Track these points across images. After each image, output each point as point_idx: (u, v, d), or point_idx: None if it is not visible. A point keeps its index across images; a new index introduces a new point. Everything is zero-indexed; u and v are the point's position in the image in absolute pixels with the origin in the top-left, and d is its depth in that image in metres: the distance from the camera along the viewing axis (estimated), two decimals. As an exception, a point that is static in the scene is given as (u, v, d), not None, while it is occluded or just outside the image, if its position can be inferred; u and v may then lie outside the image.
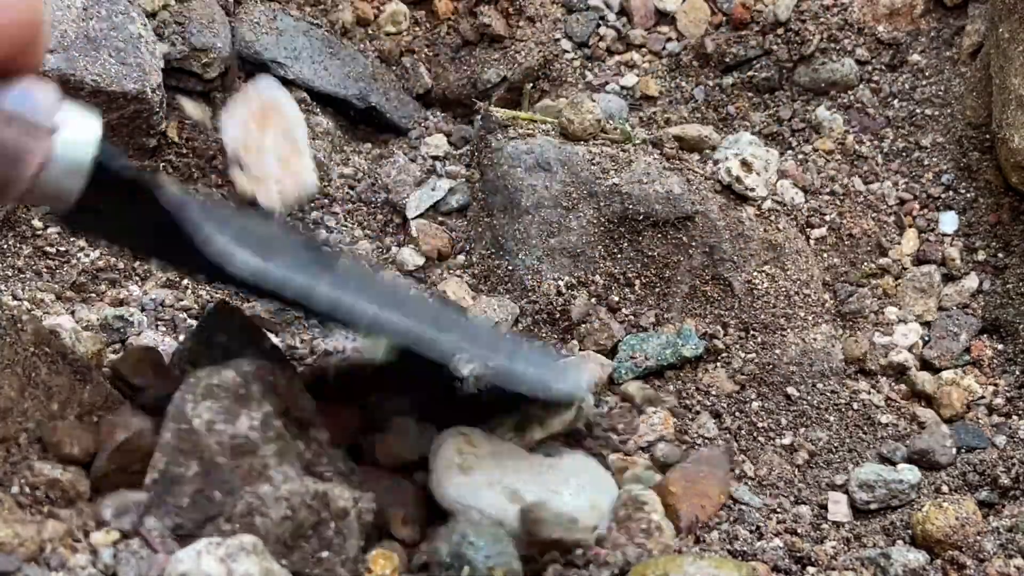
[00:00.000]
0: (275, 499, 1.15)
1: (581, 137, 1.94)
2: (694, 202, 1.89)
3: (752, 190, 1.95)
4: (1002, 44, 1.93)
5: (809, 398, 1.86)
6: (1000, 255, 1.96)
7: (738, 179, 1.94)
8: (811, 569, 1.55)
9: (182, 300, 1.86)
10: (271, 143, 1.95)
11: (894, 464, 1.80)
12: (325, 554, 1.16)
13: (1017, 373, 1.88)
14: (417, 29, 2.25)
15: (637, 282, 1.88)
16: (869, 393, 1.88)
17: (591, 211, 1.89)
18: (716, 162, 1.98)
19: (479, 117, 2.00)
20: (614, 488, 1.51)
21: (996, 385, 1.87)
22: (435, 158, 2.09)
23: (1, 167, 1.10)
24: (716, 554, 1.50)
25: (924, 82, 2.09)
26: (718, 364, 1.83)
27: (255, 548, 1.10)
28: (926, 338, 1.93)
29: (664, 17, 2.21)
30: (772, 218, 1.96)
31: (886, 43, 2.11)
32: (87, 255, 1.87)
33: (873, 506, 1.72)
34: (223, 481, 1.19)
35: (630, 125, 2.03)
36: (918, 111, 2.08)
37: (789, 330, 1.89)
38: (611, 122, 1.99)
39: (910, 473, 1.76)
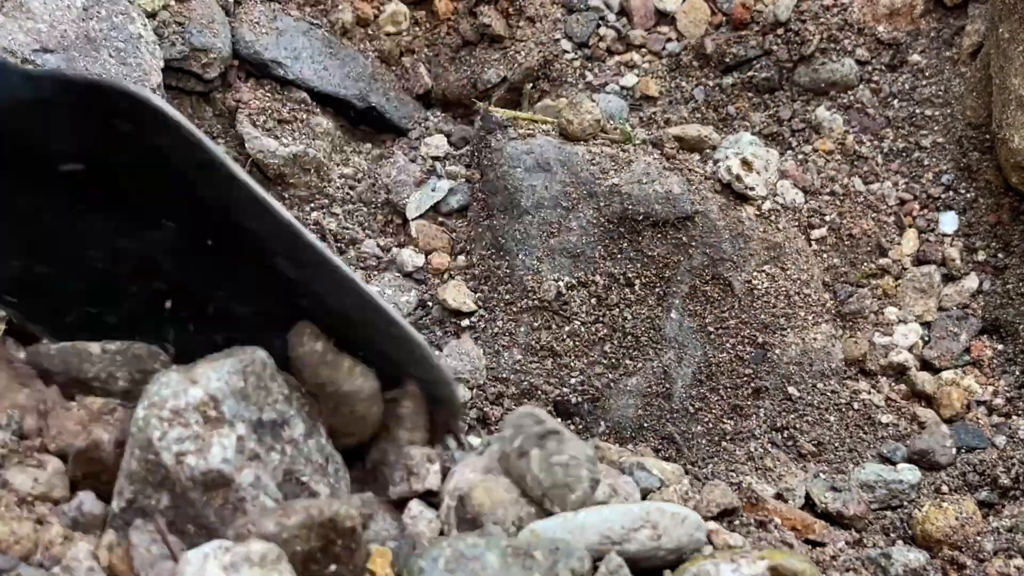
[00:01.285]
0: (284, 540, 1.11)
1: (581, 137, 1.94)
2: (694, 202, 1.90)
3: (752, 189, 1.95)
4: (1002, 44, 1.93)
5: (809, 398, 1.87)
6: (1000, 255, 1.96)
7: (738, 177, 1.94)
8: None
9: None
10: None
11: (894, 464, 1.80)
12: (333, 567, 1.13)
13: (1017, 373, 1.88)
14: (417, 29, 2.25)
15: (637, 282, 1.88)
16: (869, 393, 1.88)
17: (591, 211, 1.89)
18: (716, 162, 1.98)
19: (479, 117, 2.00)
20: None
21: (996, 385, 1.88)
22: (435, 158, 2.09)
23: None
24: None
25: (924, 82, 2.09)
26: None
27: (263, 559, 1.07)
28: (926, 338, 1.93)
29: (664, 17, 2.20)
30: (772, 218, 1.96)
31: (886, 43, 2.11)
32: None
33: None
34: (196, 515, 1.14)
35: (630, 125, 2.03)
36: (918, 111, 2.08)
37: (789, 330, 1.89)
38: (611, 122, 1.99)
39: (910, 473, 1.76)
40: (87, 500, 1.19)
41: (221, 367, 1.17)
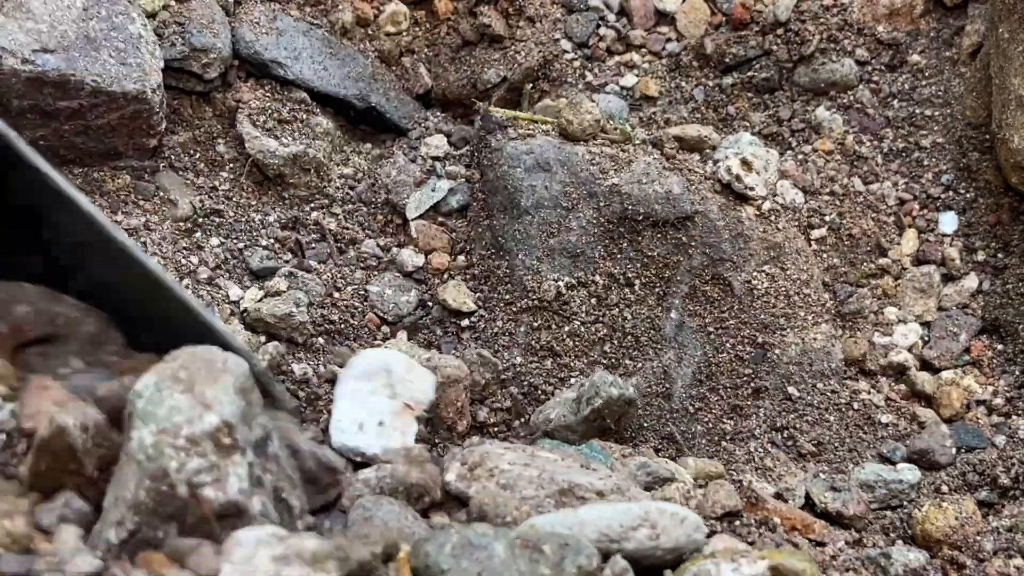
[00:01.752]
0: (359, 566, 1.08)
1: (581, 137, 1.94)
2: (694, 202, 1.90)
3: (752, 189, 1.95)
4: (1002, 44, 1.93)
5: (809, 398, 1.87)
6: (1000, 255, 1.96)
7: (738, 177, 1.95)
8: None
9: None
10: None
11: (894, 464, 1.80)
12: None
13: (1017, 373, 1.88)
14: (417, 29, 2.25)
15: (637, 282, 1.88)
16: (869, 393, 1.88)
17: (591, 211, 1.89)
18: (716, 162, 1.98)
19: (479, 117, 2.00)
20: None
21: (996, 385, 1.88)
22: (435, 158, 2.09)
23: None
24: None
25: (924, 82, 2.09)
26: None
27: (314, 558, 1.03)
28: (926, 338, 1.93)
29: (664, 17, 2.21)
30: (772, 218, 1.96)
31: (886, 43, 2.11)
32: (87, 255, 1.87)
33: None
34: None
35: (630, 125, 2.03)
36: (918, 111, 2.08)
37: (789, 330, 1.89)
38: (611, 122, 1.99)
39: (910, 473, 1.76)
40: (72, 501, 1.14)
41: (224, 386, 1.12)
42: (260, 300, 1.89)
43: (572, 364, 1.86)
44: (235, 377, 1.14)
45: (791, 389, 1.86)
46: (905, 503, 1.75)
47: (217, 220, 1.98)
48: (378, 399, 1.54)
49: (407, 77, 2.22)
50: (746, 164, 1.97)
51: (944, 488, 1.75)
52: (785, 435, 1.85)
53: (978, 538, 1.62)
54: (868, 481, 1.76)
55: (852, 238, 2.00)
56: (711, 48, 2.14)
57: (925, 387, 1.87)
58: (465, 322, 1.91)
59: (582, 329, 1.87)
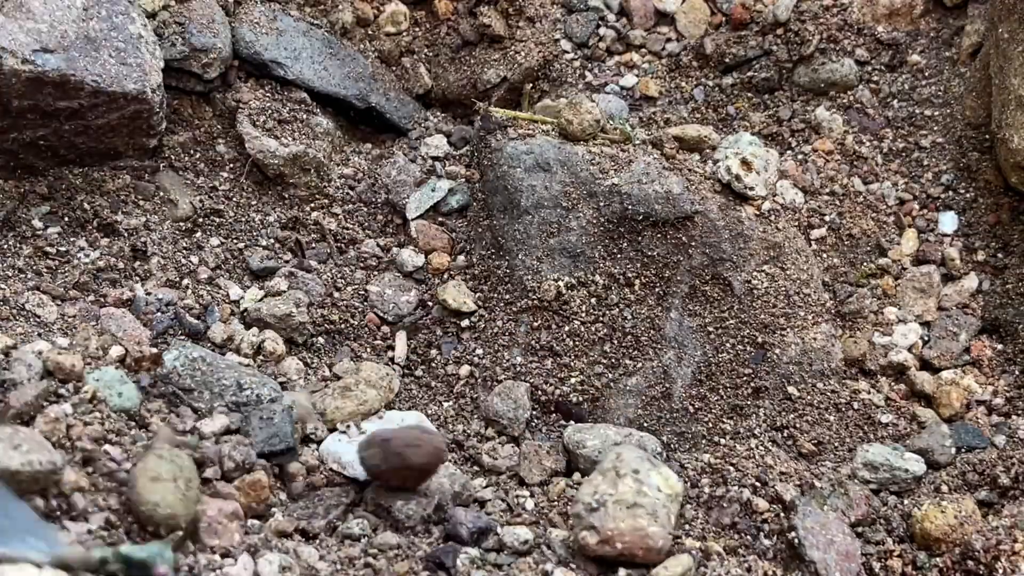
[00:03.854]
0: None
1: (581, 137, 1.94)
2: (694, 202, 1.90)
3: (752, 189, 1.95)
4: (1002, 44, 1.93)
5: (809, 398, 1.87)
6: (1000, 255, 1.96)
7: (738, 177, 1.95)
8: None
9: (184, 299, 1.87)
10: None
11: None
12: None
13: (1017, 373, 1.88)
14: (417, 29, 2.25)
15: (637, 282, 1.89)
16: (869, 393, 1.88)
17: (591, 211, 1.89)
18: (716, 162, 1.98)
19: (479, 117, 2.00)
20: None
21: (996, 385, 1.88)
22: (435, 158, 2.09)
23: None
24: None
25: (924, 82, 2.09)
26: None
27: None
28: (926, 338, 1.93)
29: (664, 17, 2.21)
30: (772, 218, 1.96)
31: (886, 43, 2.11)
32: (87, 255, 1.87)
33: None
34: None
35: (630, 125, 2.03)
36: (918, 111, 2.08)
37: (789, 330, 1.89)
38: (611, 122, 1.99)
39: (917, 464, 1.76)
40: None
41: None
42: (260, 300, 1.89)
43: (572, 364, 1.86)
44: None
45: (791, 389, 1.86)
46: (904, 492, 1.75)
47: (217, 220, 1.98)
48: None
49: (407, 77, 2.23)
50: (746, 164, 1.97)
51: (944, 488, 1.75)
52: (785, 435, 1.85)
53: (978, 537, 1.62)
54: (874, 462, 1.76)
55: (852, 238, 2.00)
56: (711, 48, 2.14)
57: (925, 387, 1.87)
58: (465, 322, 1.91)
59: (582, 329, 1.87)
